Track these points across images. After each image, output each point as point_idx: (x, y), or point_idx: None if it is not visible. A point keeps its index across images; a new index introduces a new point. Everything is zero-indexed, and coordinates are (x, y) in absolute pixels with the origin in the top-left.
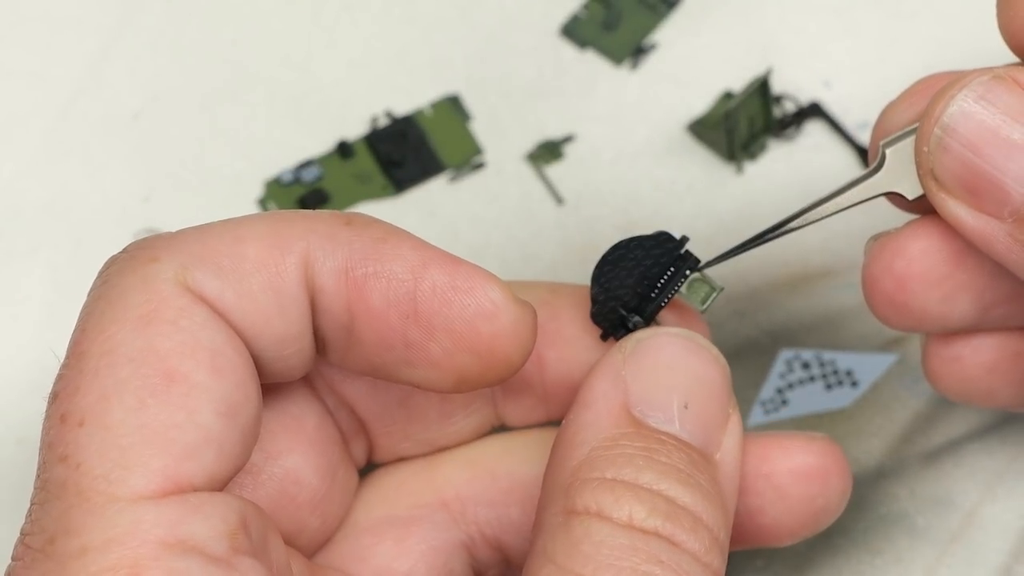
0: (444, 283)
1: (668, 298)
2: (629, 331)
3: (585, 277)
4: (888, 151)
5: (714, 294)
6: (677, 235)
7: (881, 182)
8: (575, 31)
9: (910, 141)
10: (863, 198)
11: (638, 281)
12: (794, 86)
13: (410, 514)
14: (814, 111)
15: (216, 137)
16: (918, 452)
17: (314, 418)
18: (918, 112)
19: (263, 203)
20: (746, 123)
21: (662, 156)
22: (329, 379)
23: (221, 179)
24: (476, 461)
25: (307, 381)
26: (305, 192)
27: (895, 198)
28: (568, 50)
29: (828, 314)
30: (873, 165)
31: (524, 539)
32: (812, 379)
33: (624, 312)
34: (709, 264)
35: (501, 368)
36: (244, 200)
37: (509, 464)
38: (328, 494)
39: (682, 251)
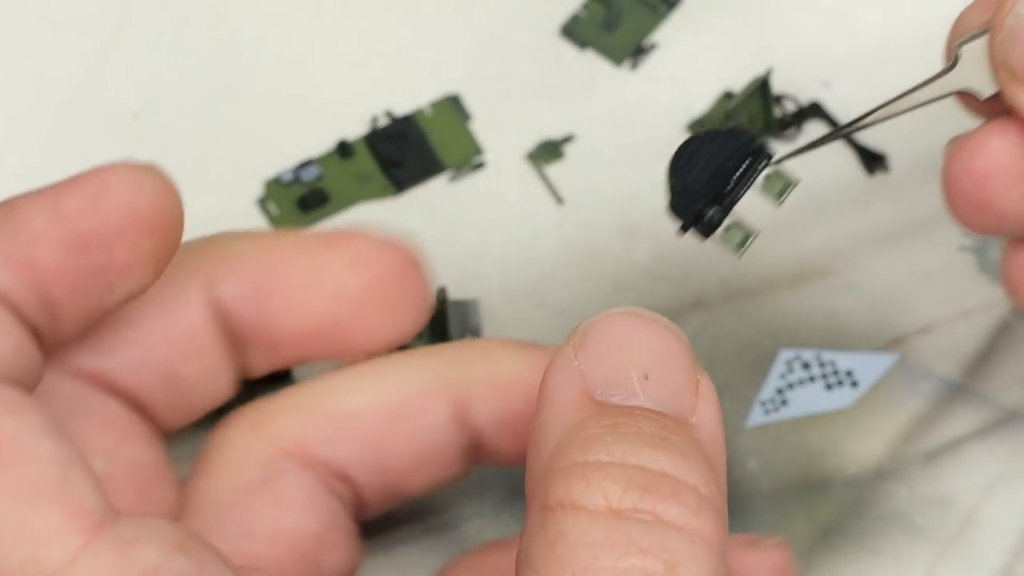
0: (80, 202)
1: (744, 190)
2: (705, 223)
3: (586, 277)
4: (962, 50)
5: (790, 187)
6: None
7: (954, 80)
8: (575, 31)
9: (984, 40)
10: (936, 96)
11: (715, 174)
12: (794, 86)
13: (265, 474)
14: (814, 111)
15: (216, 137)
16: (918, 452)
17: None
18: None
19: (263, 203)
20: (746, 123)
21: (662, 156)
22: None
23: (221, 179)
24: (301, 407)
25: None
26: (305, 192)
27: (968, 100)
28: (568, 50)
29: (828, 314)
30: (947, 65)
31: (370, 471)
32: (812, 379)
33: (701, 205)
34: (784, 158)
35: (176, 228)
36: (244, 200)
37: (334, 401)
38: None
39: (756, 145)
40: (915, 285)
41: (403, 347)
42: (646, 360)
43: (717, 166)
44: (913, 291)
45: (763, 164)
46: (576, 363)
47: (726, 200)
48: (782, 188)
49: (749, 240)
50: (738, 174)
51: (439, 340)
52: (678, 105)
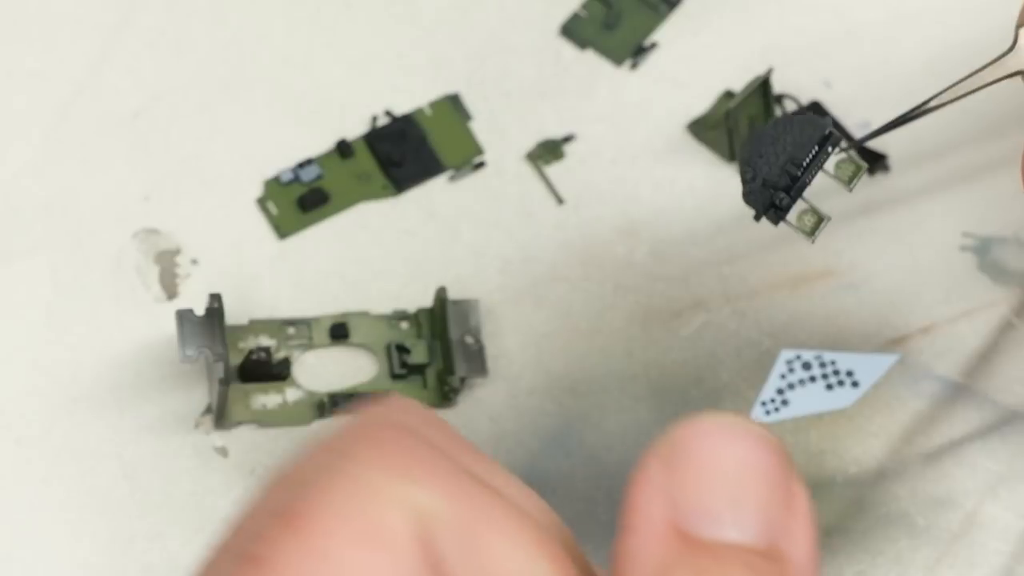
0: None
1: (813, 175)
2: (777, 208)
3: (586, 277)
4: (1020, 32)
5: (861, 172)
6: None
7: (1013, 62)
8: (575, 31)
9: None
10: (996, 78)
11: (786, 161)
12: (795, 86)
13: None
14: (815, 111)
15: (216, 136)
16: (919, 452)
17: None
18: None
19: (262, 202)
20: (747, 123)
21: (662, 156)
22: None
23: (221, 178)
24: None
25: None
26: (304, 192)
27: None
28: (568, 50)
29: (828, 314)
30: (1007, 48)
31: None
32: (813, 379)
33: (772, 191)
34: (853, 144)
35: None
36: (243, 199)
37: None
38: None
39: (827, 131)
40: (916, 285)
41: (402, 348)
42: (737, 480)
43: (788, 153)
44: (914, 291)
45: (832, 149)
46: (663, 482)
47: (796, 186)
48: (852, 173)
49: (822, 224)
50: (808, 160)
51: (439, 340)
52: (678, 105)
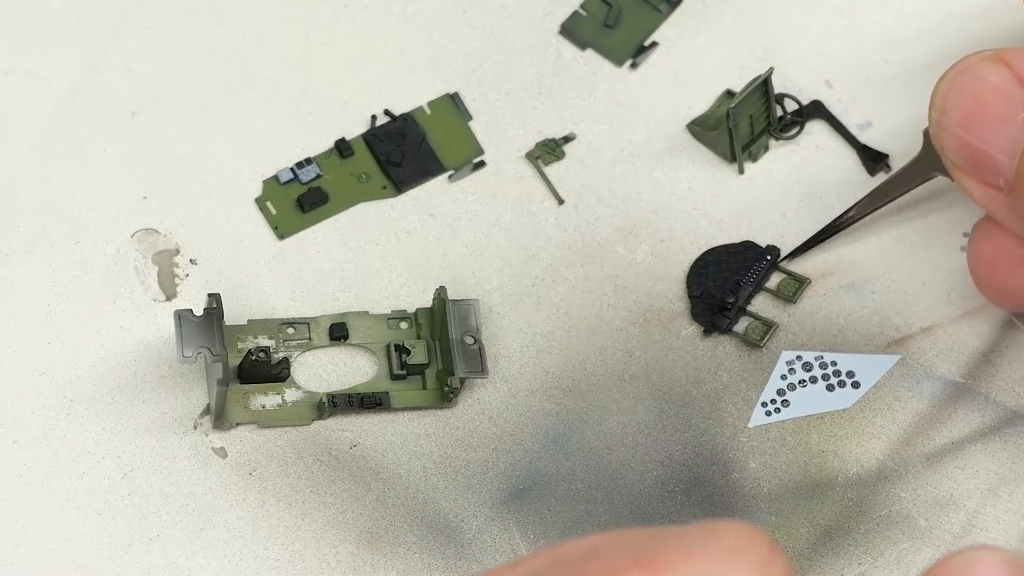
0: None
1: (756, 290)
2: (725, 325)
3: (586, 277)
4: (924, 135)
5: (803, 286)
6: (763, 244)
7: (922, 166)
8: (575, 30)
9: None
10: (913, 183)
11: (730, 276)
12: (795, 85)
13: None
14: (816, 110)
15: (214, 136)
16: (920, 453)
17: None
18: None
19: (261, 202)
20: (747, 122)
21: (662, 156)
22: None
23: (219, 178)
24: None
25: None
26: (303, 191)
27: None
28: (568, 49)
29: (829, 315)
30: (918, 152)
31: None
32: (814, 380)
33: (718, 309)
34: (789, 257)
35: None
36: (242, 199)
37: None
38: None
39: (765, 247)
40: (916, 285)
41: (402, 348)
42: None
43: (733, 271)
44: (915, 291)
45: (771, 261)
46: None
47: (739, 300)
48: (795, 289)
49: (769, 332)
50: (750, 278)
51: (439, 340)
52: (679, 105)
